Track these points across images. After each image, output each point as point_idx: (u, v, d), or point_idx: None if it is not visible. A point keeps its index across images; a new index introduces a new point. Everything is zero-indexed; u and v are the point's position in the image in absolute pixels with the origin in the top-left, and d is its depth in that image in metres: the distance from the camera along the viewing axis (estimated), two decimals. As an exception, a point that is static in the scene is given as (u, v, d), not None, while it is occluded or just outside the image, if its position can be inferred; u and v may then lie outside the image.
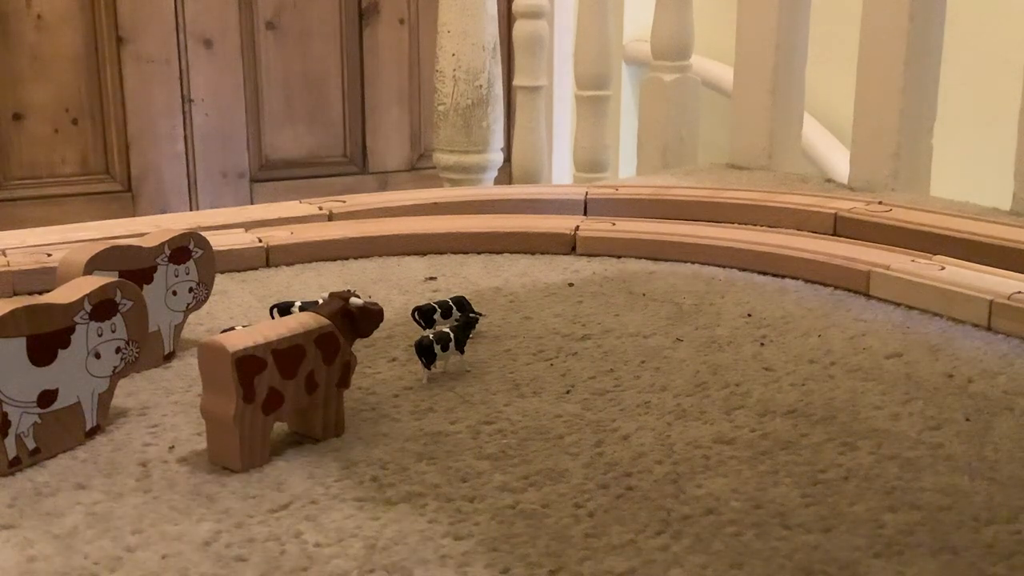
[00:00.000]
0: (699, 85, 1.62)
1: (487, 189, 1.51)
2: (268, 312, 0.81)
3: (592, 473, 0.59)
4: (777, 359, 0.77)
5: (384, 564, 0.50)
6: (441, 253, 1.06)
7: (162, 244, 0.74)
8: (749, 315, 0.87)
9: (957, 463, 0.60)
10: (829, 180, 1.42)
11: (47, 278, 0.88)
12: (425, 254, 1.05)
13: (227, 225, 1.06)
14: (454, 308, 0.79)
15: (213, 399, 0.59)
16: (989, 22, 1.83)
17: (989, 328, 0.83)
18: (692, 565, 0.50)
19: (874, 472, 0.59)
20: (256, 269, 1.00)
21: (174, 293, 0.75)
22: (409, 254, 1.05)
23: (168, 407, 0.68)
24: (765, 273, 0.98)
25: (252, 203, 2.14)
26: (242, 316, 0.86)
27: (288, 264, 1.02)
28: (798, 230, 1.07)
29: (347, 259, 1.04)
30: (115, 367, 0.64)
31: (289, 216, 1.11)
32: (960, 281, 0.87)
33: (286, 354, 0.59)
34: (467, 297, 0.82)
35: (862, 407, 0.68)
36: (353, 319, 0.64)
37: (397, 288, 0.94)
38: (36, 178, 2.05)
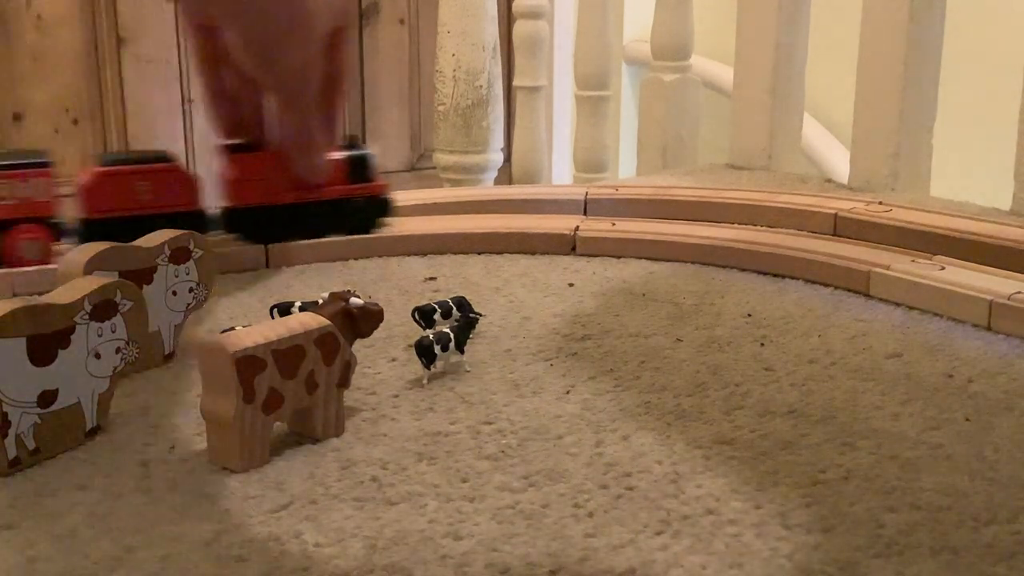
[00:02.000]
0: (699, 85, 1.62)
1: (487, 189, 1.51)
2: (268, 312, 0.81)
3: (592, 473, 0.59)
4: (777, 359, 0.77)
5: (384, 564, 0.50)
6: (441, 253, 1.06)
7: (162, 244, 0.74)
8: (749, 315, 0.87)
9: (957, 463, 0.60)
10: (829, 180, 1.42)
11: (47, 278, 0.88)
12: (425, 254, 1.05)
13: (227, 225, 1.06)
14: (454, 308, 0.79)
15: (213, 399, 0.59)
16: (989, 22, 1.83)
17: (989, 328, 0.83)
18: (692, 565, 0.50)
19: (874, 472, 0.59)
20: (256, 269, 1.00)
21: (174, 293, 0.75)
22: (409, 254, 1.05)
23: (168, 407, 0.68)
24: (765, 273, 0.98)
25: (252, 203, 2.13)
26: (242, 316, 0.86)
27: (288, 264, 1.02)
28: (798, 230, 1.07)
29: (347, 259, 1.04)
30: (115, 367, 0.64)
31: (289, 216, 1.10)
32: (960, 281, 0.87)
33: (286, 354, 0.59)
34: (467, 297, 0.82)
35: (862, 407, 0.68)
36: (353, 319, 0.64)
37: (397, 288, 0.94)
38: (36, 178, 2.04)
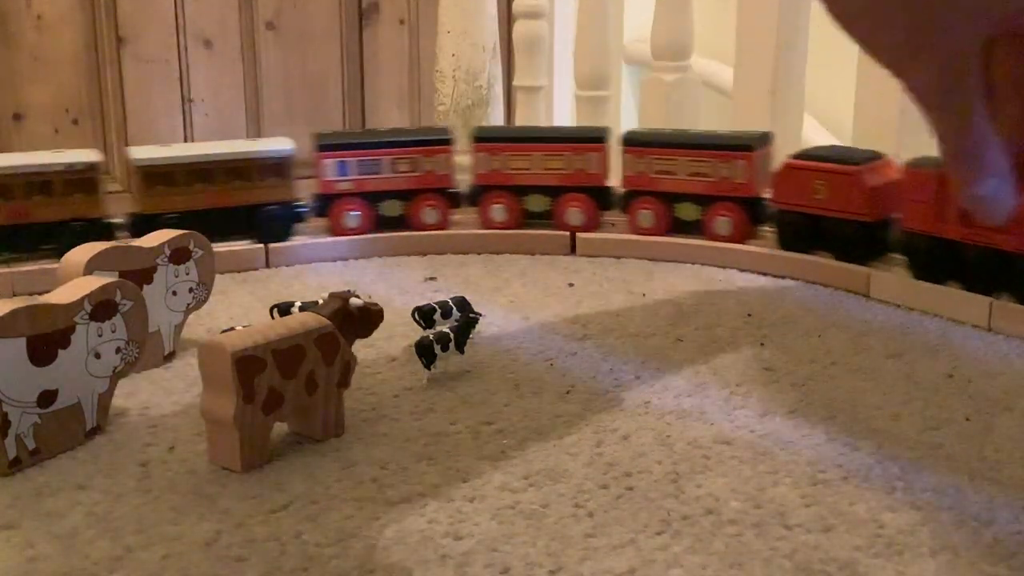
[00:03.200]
0: (699, 85, 1.62)
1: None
2: (268, 312, 0.81)
3: (592, 473, 0.59)
4: (777, 359, 0.77)
5: (384, 564, 0.50)
6: (441, 253, 1.06)
7: (162, 244, 0.74)
8: (749, 315, 0.87)
9: (957, 463, 0.60)
10: (829, 180, 1.42)
11: (47, 278, 0.88)
12: (425, 254, 1.05)
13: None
14: (454, 308, 0.79)
15: (213, 399, 0.59)
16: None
17: (989, 328, 0.83)
18: (692, 565, 0.50)
19: (874, 472, 0.59)
20: (256, 269, 1.00)
21: (174, 293, 0.75)
22: (409, 254, 1.05)
23: (168, 407, 0.68)
24: (765, 273, 0.98)
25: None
26: (242, 316, 0.86)
27: (288, 264, 1.02)
28: (798, 230, 1.06)
29: (347, 259, 1.04)
30: (115, 367, 0.64)
31: (289, 216, 1.10)
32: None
33: (286, 354, 0.59)
34: (467, 297, 0.82)
35: (862, 407, 0.68)
36: (353, 319, 0.64)
37: (397, 288, 0.94)
38: (36, 178, 2.04)
